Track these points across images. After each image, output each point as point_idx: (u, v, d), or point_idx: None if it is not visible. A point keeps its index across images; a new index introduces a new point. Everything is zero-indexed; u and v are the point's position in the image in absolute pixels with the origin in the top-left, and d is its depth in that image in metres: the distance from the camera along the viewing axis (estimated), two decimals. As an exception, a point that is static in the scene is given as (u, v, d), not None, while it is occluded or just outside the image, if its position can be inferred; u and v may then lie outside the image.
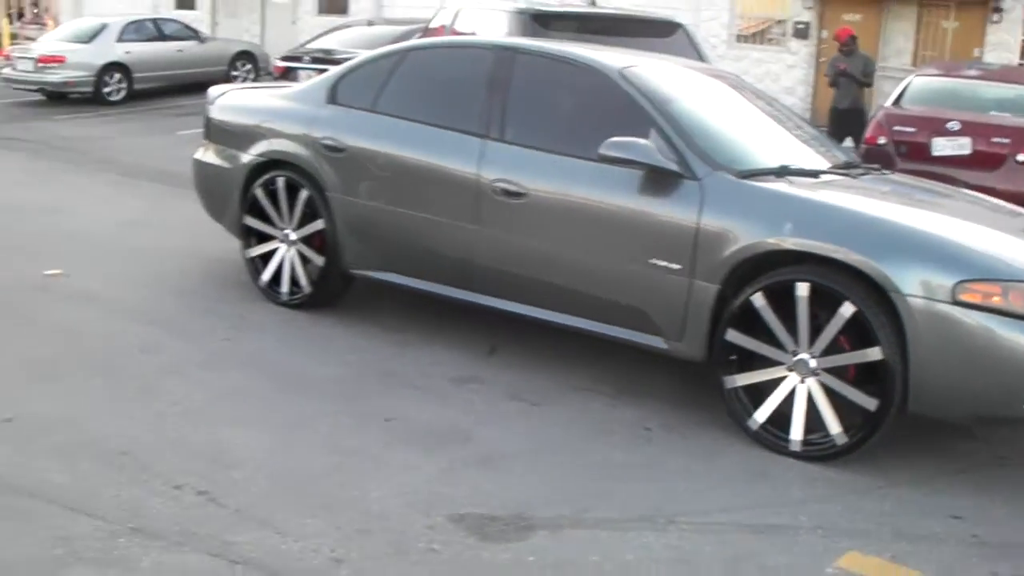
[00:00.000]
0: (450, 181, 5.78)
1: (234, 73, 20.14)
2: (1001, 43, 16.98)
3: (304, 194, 6.38)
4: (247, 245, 6.79)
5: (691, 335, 5.07)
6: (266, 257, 6.67)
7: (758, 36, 19.67)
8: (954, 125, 10.43)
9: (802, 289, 4.71)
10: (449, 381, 5.46)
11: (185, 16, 23.38)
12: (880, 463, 4.73)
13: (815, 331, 4.73)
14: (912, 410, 4.62)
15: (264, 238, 6.67)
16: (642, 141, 5.13)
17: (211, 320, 6.23)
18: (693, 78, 6.33)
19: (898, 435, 4.83)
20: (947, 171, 9.84)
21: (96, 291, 6.69)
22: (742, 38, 19.76)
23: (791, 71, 19.08)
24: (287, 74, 14.79)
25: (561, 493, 4.27)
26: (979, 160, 10.26)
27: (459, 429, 4.85)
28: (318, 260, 6.40)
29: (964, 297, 4.48)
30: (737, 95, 6.31)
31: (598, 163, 5.24)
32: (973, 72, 12.04)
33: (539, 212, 5.47)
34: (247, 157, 6.72)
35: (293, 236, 6.51)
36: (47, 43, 19.00)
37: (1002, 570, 3.90)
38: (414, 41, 7.29)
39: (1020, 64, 16.45)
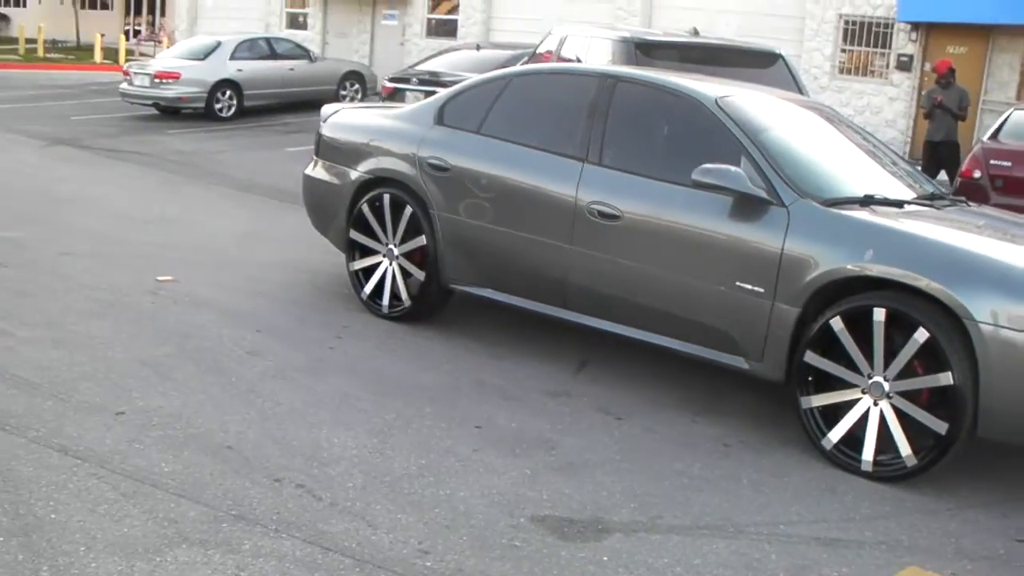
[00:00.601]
0: (549, 202, 6.06)
1: (343, 92, 20.75)
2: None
3: (408, 211, 6.70)
4: (351, 258, 7.14)
5: (771, 356, 5.26)
6: (369, 271, 7.01)
7: (861, 68, 19.66)
8: (1053, 159, 10.42)
9: (879, 314, 4.89)
10: (540, 393, 5.75)
11: (297, 35, 24.14)
12: (950, 486, 4.88)
13: (890, 355, 4.89)
14: (981, 434, 4.77)
15: (368, 252, 7.01)
16: (733, 168, 5.36)
17: (315, 329, 6.60)
18: (786, 109, 6.53)
19: (970, 459, 4.97)
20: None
21: (207, 297, 7.10)
22: (845, 70, 19.76)
23: (892, 104, 19.04)
24: (395, 95, 15.25)
25: (638, 500, 4.52)
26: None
27: (545, 438, 5.13)
28: (419, 274, 6.72)
29: (1033, 318, 4.61)
30: (829, 126, 6.50)
31: (691, 188, 5.48)
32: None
33: (632, 234, 5.72)
34: (355, 174, 7.09)
35: (396, 251, 6.83)
36: (163, 59, 19.80)
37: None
38: (519, 67, 7.59)
39: None
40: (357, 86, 21.12)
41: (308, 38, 24.78)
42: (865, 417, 5.01)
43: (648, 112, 6.07)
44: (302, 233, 8.49)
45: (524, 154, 6.31)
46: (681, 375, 6.05)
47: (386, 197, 6.87)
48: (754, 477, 4.90)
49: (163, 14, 37.10)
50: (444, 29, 23.53)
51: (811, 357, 5.12)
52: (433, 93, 14.46)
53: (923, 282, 4.82)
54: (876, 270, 4.96)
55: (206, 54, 19.01)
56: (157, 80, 18.48)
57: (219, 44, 19.21)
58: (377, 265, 6.99)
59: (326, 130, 7.55)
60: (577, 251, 5.95)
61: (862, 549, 4.27)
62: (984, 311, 4.68)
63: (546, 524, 4.24)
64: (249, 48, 19.54)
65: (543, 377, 6.00)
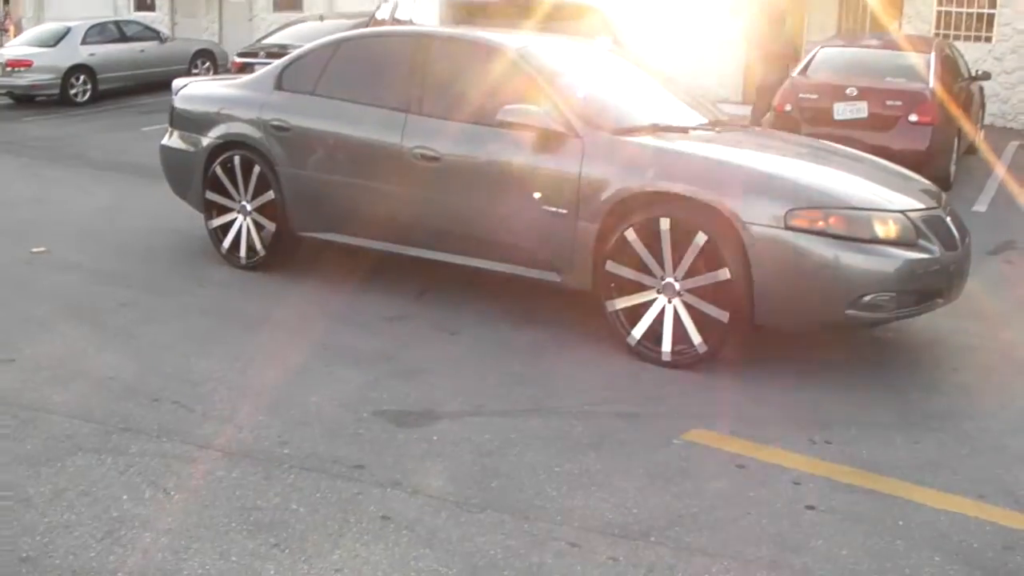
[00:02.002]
0: (379, 151, 6.77)
1: (194, 71, 20.98)
2: (918, 15, 18.07)
3: (257, 169, 7.34)
4: (209, 217, 7.74)
5: (578, 268, 6.06)
6: (226, 227, 7.62)
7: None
8: (852, 91, 11.49)
9: (664, 224, 5.72)
10: (382, 319, 6.48)
11: (145, 17, 24.19)
12: (738, 369, 5.73)
13: (677, 258, 5.72)
14: (758, 321, 5.64)
15: (224, 210, 7.62)
16: (532, 107, 6.13)
17: (179, 281, 7.25)
18: (581, 54, 7.37)
19: (756, 347, 5.85)
20: (847, 133, 10.89)
21: (78, 262, 7.66)
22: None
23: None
24: (244, 69, 15.66)
25: (465, 394, 5.28)
26: (875, 123, 11.32)
27: (386, 352, 5.87)
28: (271, 226, 7.36)
29: (794, 223, 5.49)
30: (622, 67, 7.36)
31: (498, 128, 6.24)
32: (873, 42, 13.09)
33: (451, 172, 6.46)
34: (207, 140, 7.67)
35: (249, 207, 7.45)
36: (14, 48, 19.78)
37: (817, 436, 4.92)
38: (346, 33, 8.23)
39: (935, 34, 17.50)
40: (208, 64, 21.37)
41: (157, 19, 24.82)
42: (662, 313, 5.83)
43: (459, 65, 6.81)
44: (162, 203, 9.01)
45: (355, 110, 7.00)
46: (503, 293, 6.78)
47: (236, 159, 7.47)
48: (567, 371, 5.70)
49: (7, 2, 36.38)
50: (290, 3, 23.84)
51: (611, 266, 5.93)
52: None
53: (698, 192, 5.65)
54: (658, 186, 5.79)
55: (56, 40, 19.08)
56: (9, 69, 18.51)
57: (69, 30, 19.29)
58: (233, 221, 7.59)
59: (178, 102, 8.10)
60: (406, 192, 6.66)
61: (655, 419, 5.11)
62: (750, 213, 5.54)
63: (386, 416, 4.97)
64: (99, 32, 19.65)
65: (385, 305, 6.72)
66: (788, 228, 5.49)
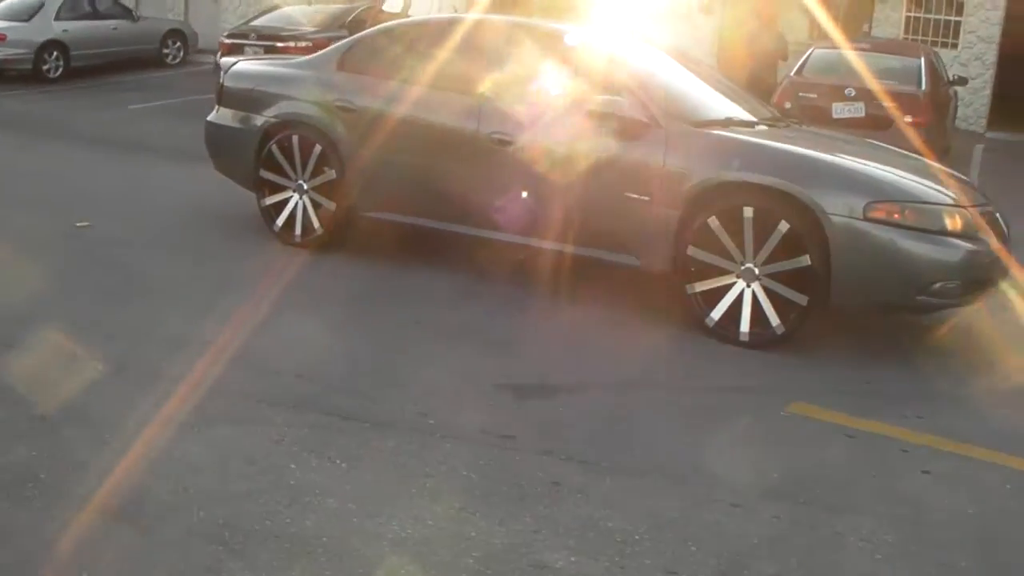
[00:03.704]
0: (453, 134, 6.96)
1: (165, 51, 20.81)
2: (887, 20, 18.65)
3: (318, 149, 7.46)
4: (262, 196, 7.84)
5: (658, 252, 6.32)
6: (279, 205, 7.74)
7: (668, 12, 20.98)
8: (850, 91, 11.91)
9: (748, 212, 6.02)
10: (456, 295, 6.72)
11: (110, -6, 23.82)
12: (810, 347, 6.05)
13: (758, 245, 6.02)
14: (833, 303, 5.96)
15: (278, 188, 7.74)
16: (619, 98, 6.40)
17: (237, 256, 7.36)
18: (640, 46, 7.61)
19: (823, 328, 6.18)
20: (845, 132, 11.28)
21: (126, 237, 7.71)
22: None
23: (699, 46, 20.47)
24: (233, 51, 15.66)
25: (564, 368, 5.54)
26: (872, 122, 11.75)
27: (473, 328, 6.11)
28: (330, 205, 7.50)
29: (872, 214, 5.83)
30: (678, 60, 7.62)
31: (579, 117, 6.49)
32: (864, 45, 13.55)
33: (530, 158, 6.67)
34: (262, 119, 7.77)
35: (306, 186, 7.58)
36: (-14, 22, 19.43)
37: (908, 411, 5.26)
38: (412, 20, 8.39)
39: (904, 38, 18.08)
40: (179, 44, 21.21)
41: (120, -4, 24.47)
42: (740, 296, 6.13)
43: (537, 53, 7.02)
44: (179, 180, 9.18)
45: (426, 94, 7.18)
46: (557, 274, 6.91)
47: (295, 138, 7.59)
48: (648, 348, 5.98)
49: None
50: (260, -16, 23.69)
51: (693, 251, 6.21)
52: (272, 47, 15.24)
53: (783, 184, 5.96)
54: (744, 177, 6.09)
55: (30, 15, 18.80)
56: (-18, 43, 18.24)
57: (43, 4, 18.99)
58: (287, 200, 7.71)
59: (228, 80, 8.19)
60: (481, 175, 6.86)
61: (753, 394, 5.41)
62: (832, 205, 5.86)
63: (508, 389, 5.19)
64: (72, 7, 19.39)
65: (453, 282, 6.95)
66: (866, 219, 5.83)
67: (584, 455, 4.47)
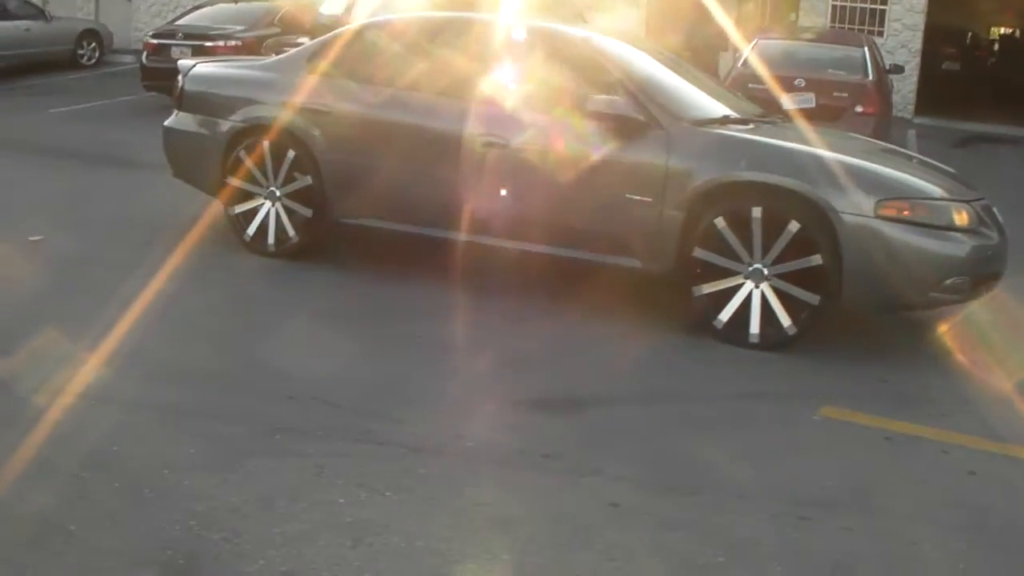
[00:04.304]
0: (441, 137, 6.69)
1: (79, 52, 20.08)
2: (813, 8, 18.80)
3: (291, 154, 7.14)
4: (230, 203, 7.49)
5: (662, 255, 6.16)
6: (250, 214, 7.40)
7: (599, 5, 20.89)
8: (800, 82, 11.89)
9: (757, 212, 5.89)
10: (446, 308, 6.42)
11: (16, -7, 22.97)
12: (820, 350, 5.95)
13: (766, 245, 5.90)
14: (844, 303, 5.87)
15: (248, 196, 7.40)
16: (617, 98, 6.21)
17: (207, 269, 6.97)
18: (627, 46, 7.41)
19: (834, 328, 6.08)
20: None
21: (84, 252, 7.25)
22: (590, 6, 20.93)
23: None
24: (159, 51, 15.16)
25: (585, 383, 5.35)
26: (823, 113, 11.73)
27: (478, 342, 5.87)
28: (306, 212, 7.19)
29: (883, 212, 5.74)
30: (662, 58, 7.40)
31: (573, 117, 6.31)
32: (806, 35, 13.59)
33: (522, 161, 6.45)
34: (229, 124, 7.42)
35: (278, 192, 7.26)
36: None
37: (933, 410, 5.20)
38: (386, 17, 8.00)
39: (831, 26, 18.24)
40: (94, 44, 20.46)
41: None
42: (749, 298, 6.00)
43: (525, 52, 6.80)
44: (121, 188, 8.78)
45: (408, 96, 6.92)
46: (543, 280, 6.81)
47: (266, 143, 7.27)
48: (661, 357, 5.83)
49: None
50: (173, -18, 23.05)
51: (700, 252, 6.07)
52: (200, 47, 14.72)
53: (794, 184, 5.84)
54: (752, 176, 5.95)
55: (-61, 15, 18.01)
56: None
57: (-49, 4, 18.22)
58: (258, 208, 7.38)
59: (190, 84, 7.81)
60: (469, 179, 6.62)
61: (780, 399, 5.31)
62: (843, 203, 5.77)
63: (534, 405, 4.99)
64: (-19, 8, 18.63)
65: (438, 294, 6.66)
66: (878, 217, 5.74)
67: (633, 473, 4.31)
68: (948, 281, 5.81)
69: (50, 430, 4.35)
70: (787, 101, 11.77)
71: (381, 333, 5.93)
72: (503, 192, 6.56)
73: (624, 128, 6.22)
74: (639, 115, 6.20)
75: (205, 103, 7.68)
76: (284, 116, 7.20)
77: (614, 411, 5.03)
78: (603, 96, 6.23)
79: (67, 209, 8.76)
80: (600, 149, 6.28)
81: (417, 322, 6.14)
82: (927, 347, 6.34)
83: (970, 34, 29.75)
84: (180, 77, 7.94)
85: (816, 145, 6.34)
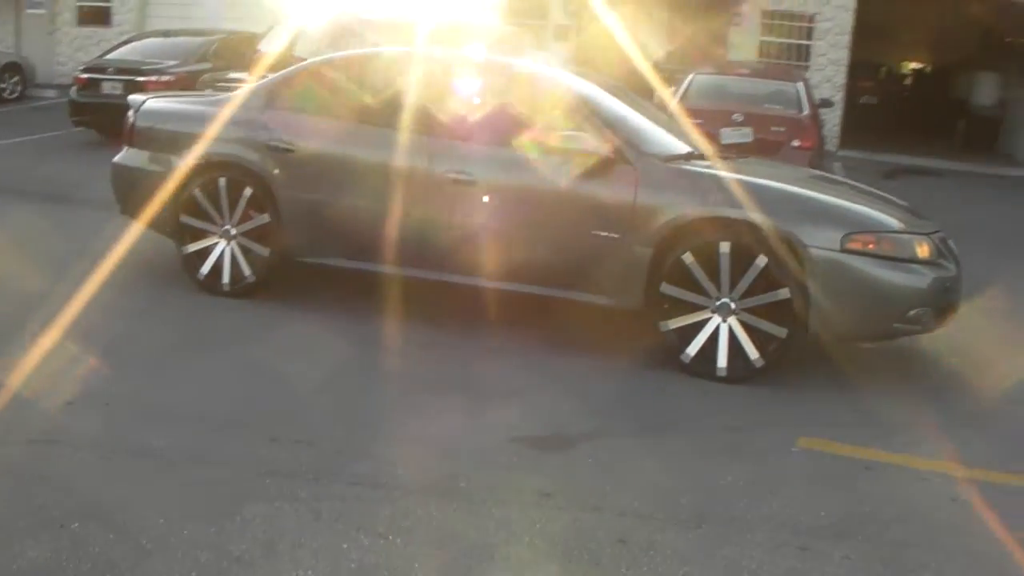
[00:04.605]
0: (404, 174, 6.66)
1: (1, 86, 19.68)
2: (742, 44, 19.15)
3: (248, 191, 7.05)
4: (183, 242, 7.35)
5: (629, 291, 6.20)
6: (203, 253, 7.27)
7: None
8: (738, 116, 12.09)
9: (725, 247, 5.96)
10: (417, 345, 6.37)
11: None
12: (790, 380, 6.04)
13: (734, 279, 5.97)
14: (812, 331, 5.96)
15: (201, 234, 7.28)
16: (584, 134, 6.25)
17: (168, 309, 6.86)
18: (587, 81, 7.45)
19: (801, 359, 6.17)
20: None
21: (38, 291, 6.95)
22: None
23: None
24: (89, 86, 14.94)
25: (567, 418, 5.34)
26: (760, 147, 11.91)
27: (454, 380, 5.85)
28: (263, 251, 7.09)
29: (850, 245, 5.86)
30: (619, 94, 7.43)
31: (536, 154, 6.34)
32: (744, 70, 13.83)
33: (487, 197, 6.46)
34: (182, 160, 7.29)
35: (233, 231, 7.16)
36: None
37: (900, 438, 5.31)
38: (353, 52, 7.95)
39: (758, 61, 18.60)
40: (17, 78, 20.06)
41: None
42: (716, 332, 6.06)
43: (488, 88, 6.80)
44: (77, 228, 8.61)
45: (370, 132, 6.88)
46: (512, 315, 6.81)
47: (221, 180, 7.16)
48: (635, 391, 5.87)
49: None
50: (97, 17, 22.72)
51: (667, 288, 6.12)
52: (132, 82, 14.50)
53: (760, 219, 5.93)
54: (722, 212, 6.03)
55: None
56: None
57: None
58: (212, 247, 7.26)
59: (141, 120, 7.67)
60: (434, 216, 6.60)
61: (759, 430, 5.38)
62: (811, 238, 5.88)
63: (523, 442, 4.98)
64: None
65: (408, 330, 6.62)
66: (844, 251, 5.86)
67: (635, 508, 4.32)
68: (912, 312, 5.95)
69: (27, 478, 4.20)
70: (725, 135, 11.94)
71: (353, 372, 5.87)
72: (467, 229, 6.54)
73: (591, 164, 6.26)
74: (607, 152, 6.24)
75: (157, 139, 7.55)
76: (242, 152, 7.11)
77: (603, 445, 5.02)
78: (571, 131, 6.26)
79: (8, 246, 8.51)
80: (567, 185, 6.29)
81: (388, 357, 6.11)
82: (890, 375, 6.43)
83: (884, 68, 30.54)
84: (131, 112, 7.80)
85: (779, 180, 6.45)
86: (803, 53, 19.07)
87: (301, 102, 7.19)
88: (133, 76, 14.59)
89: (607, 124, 6.43)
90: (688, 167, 6.37)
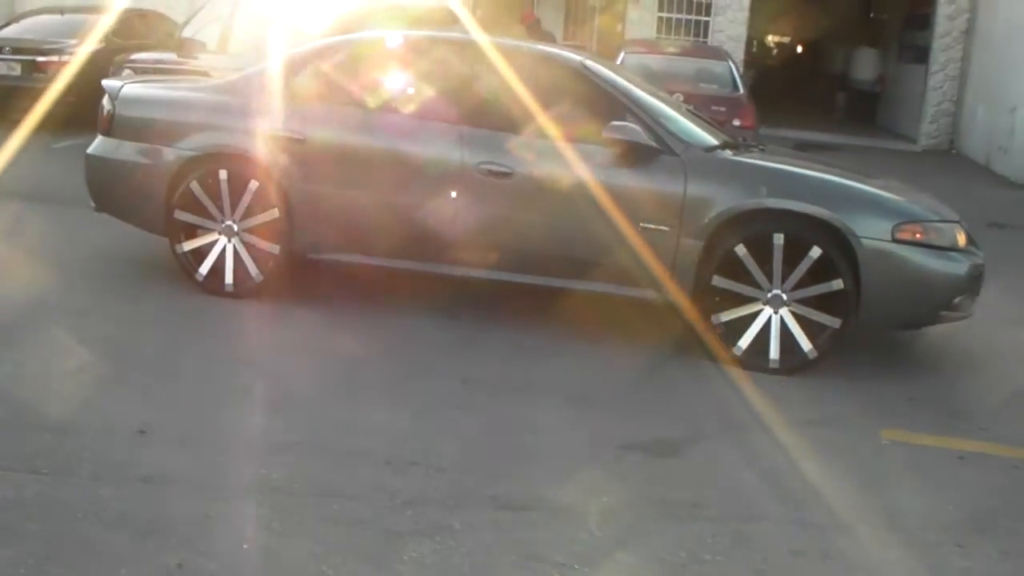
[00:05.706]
0: (433, 165, 6.42)
1: None
2: (640, 20, 19.25)
3: (254, 184, 6.66)
4: (177, 240, 6.90)
5: (679, 284, 6.12)
6: (201, 251, 6.85)
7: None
8: (679, 97, 12.06)
9: (779, 239, 5.95)
10: (459, 343, 6.19)
11: None
12: (826, 372, 6.06)
13: (786, 270, 5.96)
14: (863, 322, 6.02)
15: (196, 231, 6.86)
16: (632, 125, 6.13)
17: (169, 315, 6.46)
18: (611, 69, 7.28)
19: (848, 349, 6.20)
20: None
21: (38, 297, 6.55)
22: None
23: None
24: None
25: (656, 420, 5.25)
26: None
27: (519, 381, 5.66)
28: (272, 248, 6.72)
29: (900, 236, 5.91)
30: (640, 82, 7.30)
31: (577, 143, 6.25)
32: (671, 49, 13.86)
33: (525, 190, 6.32)
34: (176, 152, 6.84)
35: (236, 227, 6.77)
36: None
37: (972, 424, 5.40)
38: (369, 32, 7.57)
39: (656, 38, 18.73)
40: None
41: None
42: (768, 324, 6.05)
43: (524, 76, 6.52)
44: (47, 227, 8.06)
45: (392, 121, 6.59)
46: (562, 313, 6.60)
47: (223, 173, 6.77)
48: (699, 387, 5.81)
49: None
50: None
51: (719, 280, 6.07)
52: (31, 61, 13.66)
53: (815, 210, 5.93)
54: (774, 204, 6.00)
55: None
56: None
57: None
58: (211, 244, 6.87)
59: (123, 107, 7.13)
60: (467, 210, 6.37)
61: (837, 424, 5.37)
62: (863, 228, 5.91)
63: (635, 448, 4.85)
64: None
65: (440, 326, 6.44)
66: (895, 240, 5.92)
67: (761, 512, 4.27)
68: (956, 299, 6.05)
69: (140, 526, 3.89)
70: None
71: (414, 379, 5.60)
72: (503, 223, 6.35)
73: (637, 155, 6.14)
74: (652, 142, 6.13)
75: (144, 129, 7.03)
76: (247, 143, 6.72)
77: (708, 447, 4.95)
78: (618, 122, 6.12)
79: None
80: (614, 177, 6.16)
81: (445, 361, 5.87)
82: (926, 360, 6.53)
83: (755, 43, 31.14)
84: (108, 99, 7.25)
85: (818, 171, 6.47)
86: (701, 29, 19.27)
87: (311, 88, 6.82)
88: (33, 56, 13.75)
89: (648, 115, 6.31)
90: (733, 157, 6.32)
